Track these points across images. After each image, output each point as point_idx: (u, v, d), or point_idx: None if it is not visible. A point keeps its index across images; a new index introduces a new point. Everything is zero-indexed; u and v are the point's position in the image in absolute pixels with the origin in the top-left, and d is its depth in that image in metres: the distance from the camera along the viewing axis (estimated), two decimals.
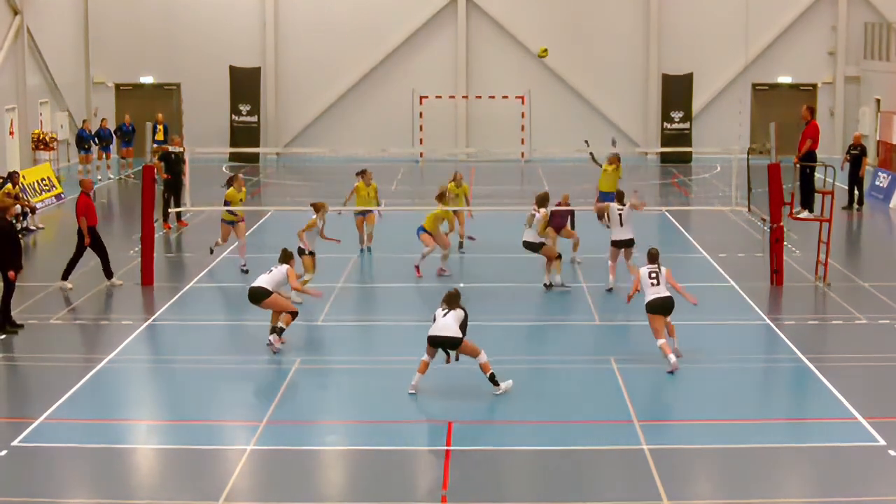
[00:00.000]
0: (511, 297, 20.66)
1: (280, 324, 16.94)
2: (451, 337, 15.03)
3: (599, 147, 26.39)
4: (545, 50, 22.84)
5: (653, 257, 16.76)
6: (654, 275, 16.56)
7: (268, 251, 25.21)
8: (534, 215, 20.83)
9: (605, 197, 23.41)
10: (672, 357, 16.17)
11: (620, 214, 20.71)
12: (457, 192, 24.20)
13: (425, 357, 15.23)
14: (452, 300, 15.48)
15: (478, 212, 28.18)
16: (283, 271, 17.17)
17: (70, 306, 19.83)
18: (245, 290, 17.33)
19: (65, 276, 21.11)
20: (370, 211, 24.33)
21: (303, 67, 41.21)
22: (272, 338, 16.90)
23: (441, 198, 22.65)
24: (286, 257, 17.54)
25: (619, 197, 21.23)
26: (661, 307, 16.34)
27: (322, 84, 41.20)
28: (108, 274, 21.30)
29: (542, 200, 21.06)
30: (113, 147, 36.67)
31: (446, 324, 15.12)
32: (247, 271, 21.95)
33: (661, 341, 16.27)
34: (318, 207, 20.88)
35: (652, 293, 16.44)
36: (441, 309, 15.37)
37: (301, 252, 20.12)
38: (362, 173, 24.42)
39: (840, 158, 32.78)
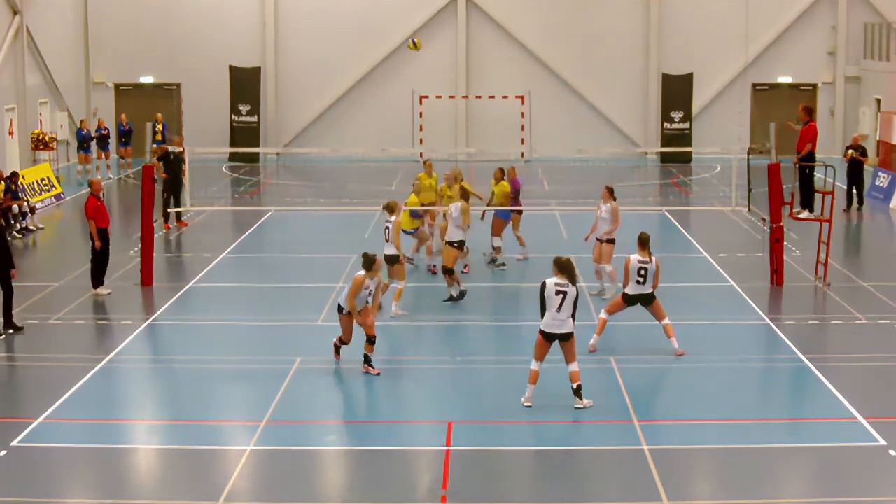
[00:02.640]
0: (511, 297, 20.65)
1: (365, 352, 16.07)
2: (567, 333, 14.43)
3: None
4: (415, 44, 22.62)
5: (644, 243, 16.73)
6: (643, 272, 16.66)
7: (268, 251, 25.26)
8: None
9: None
10: (594, 340, 16.86)
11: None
12: (449, 193, 23.90)
13: (534, 365, 14.50)
14: (570, 272, 14.40)
15: (477, 211, 28.14)
16: (346, 289, 16.15)
17: (70, 306, 19.82)
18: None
19: (95, 285, 20.83)
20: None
21: (303, 67, 41.21)
22: (365, 366, 16.06)
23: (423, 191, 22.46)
24: (368, 263, 15.82)
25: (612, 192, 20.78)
26: (640, 300, 16.82)
27: (322, 84, 41.20)
28: (100, 281, 20.87)
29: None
30: (111, 146, 36.65)
31: (564, 321, 14.31)
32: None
33: (606, 317, 17.01)
34: (392, 207, 19.28)
35: (634, 289, 16.72)
36: (557, 285, 14.30)
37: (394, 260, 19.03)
38: (425, 164, 24.36)
39: (840, 158, 32.80)
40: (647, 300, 16.80)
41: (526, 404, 14.54)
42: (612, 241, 20.31)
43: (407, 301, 20.46)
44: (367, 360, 16.00)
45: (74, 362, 16.53)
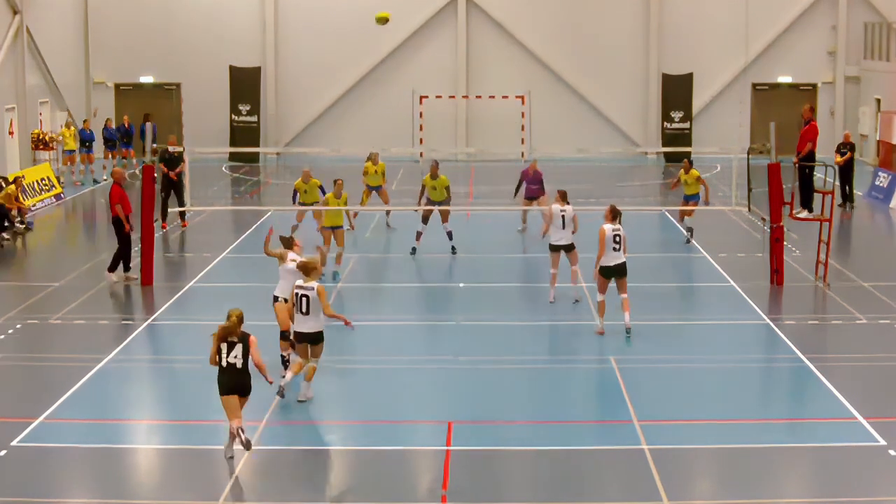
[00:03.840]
0: (511, 297, 20.64)
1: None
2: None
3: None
4: (383, 19, 23.30)
5: (616, 215, 17.46)
6: (618, 239, 17.25)
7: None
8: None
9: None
10: (600, 323, 17.33)
11: (563, 216, 19.37)
12: (374, 169, 24.65)
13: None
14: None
15: (477, 212, 28.21)
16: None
17: (70, 306, 19.82)
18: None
19: (114, 269, 21.27)
20: (441, 204, 23.96)
21: (303, 67, 41.20)
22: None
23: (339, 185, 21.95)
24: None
25: (563, 196, 19.69)
26: (616, 272, 17.34)
27: (322, 84, 41.19)
28: (127, 267, 21.43)
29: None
30: (97, 147, 36.47)
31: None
32: None
33: (602, 298, 17.40)
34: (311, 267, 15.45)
35: (612, 258, 17.25)
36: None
37: None
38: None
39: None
40: (623, 271, 17.35)
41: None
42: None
43: (407, 301, 20.46)
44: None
45: (74, 362, 16.53)
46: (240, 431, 12.45)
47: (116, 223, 21.37)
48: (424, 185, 24.00)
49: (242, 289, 21.31)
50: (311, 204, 24.00)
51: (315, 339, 14.43)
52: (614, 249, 17.25)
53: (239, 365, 12.57)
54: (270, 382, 12.97)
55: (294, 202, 24.93)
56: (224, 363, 12.59)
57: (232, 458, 12.61)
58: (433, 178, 23.75)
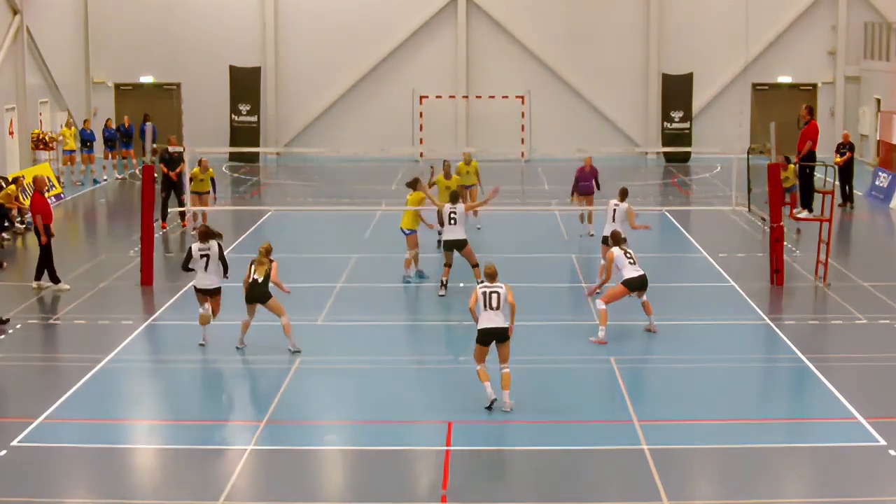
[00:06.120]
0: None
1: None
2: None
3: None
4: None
5: (616, 239, 17.90)
6: (629, 254, 17.56)
7: None
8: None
9: None
10: (602, 332, 17.19)
11: (615, 210, 20.47)
12: (467, 169, 24.95)
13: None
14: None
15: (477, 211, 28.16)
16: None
17: (70, 306, 19.82)
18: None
19: (37, 277, 21.00)
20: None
21: (303, 67, 41.21)
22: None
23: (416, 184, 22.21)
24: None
25: (621, 194, 20.88)
26: (640, 284, 17.46)
27: (322, 84, 41.20)
28: (54, 278, 21.06)
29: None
30: (97, 147, 36.46)
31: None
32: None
33: (605, 307, 17.33)
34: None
35: (633, 271, 17.44)
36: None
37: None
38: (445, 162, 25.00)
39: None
40: (645, 284, 17.52)
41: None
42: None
43: (407, 301, 20.50)
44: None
45: (74, 362, 16.53)
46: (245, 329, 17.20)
47: (37, 231, 20.94)
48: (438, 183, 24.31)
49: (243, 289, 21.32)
50: (205, 193, 25.85)
51: (504, 334, 14.69)
52: (630, 264, 17.42)
53: (260, 280, 16.79)
54: (287, 291, 17.12)
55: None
56: (251, 279, 16.84)
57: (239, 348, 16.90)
58: (447, 177, 24.14)
